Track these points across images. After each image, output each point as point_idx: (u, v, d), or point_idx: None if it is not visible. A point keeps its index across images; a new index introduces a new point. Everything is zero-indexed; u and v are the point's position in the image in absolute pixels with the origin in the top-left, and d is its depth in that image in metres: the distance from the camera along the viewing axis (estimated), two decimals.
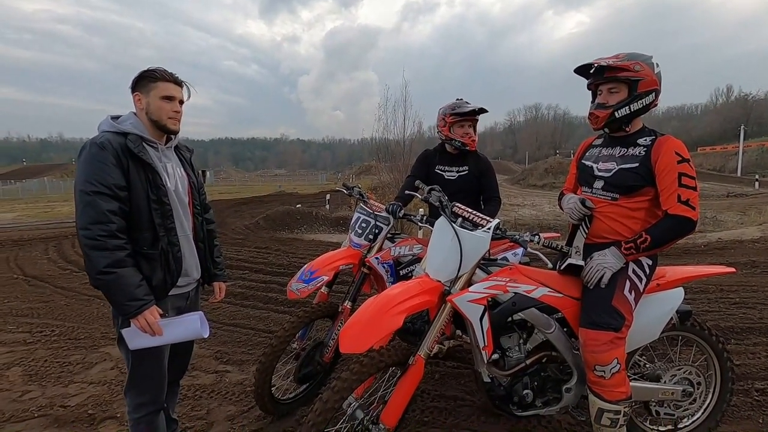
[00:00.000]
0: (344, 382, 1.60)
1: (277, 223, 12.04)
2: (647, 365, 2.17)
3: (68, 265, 6.96)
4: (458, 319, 1.88)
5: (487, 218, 1.84)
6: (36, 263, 7.14)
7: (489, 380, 1.90)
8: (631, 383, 1.89)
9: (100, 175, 1.55)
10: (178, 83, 1.79)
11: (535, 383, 1.96)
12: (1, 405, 2.70)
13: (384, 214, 2.73)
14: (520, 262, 2.39)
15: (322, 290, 2.69)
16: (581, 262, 1.89)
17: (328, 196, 16.54)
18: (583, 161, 2.12)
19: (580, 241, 1.97)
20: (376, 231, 2.72)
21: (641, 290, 1.88)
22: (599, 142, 2.10)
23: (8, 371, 3.18)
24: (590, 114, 1.95)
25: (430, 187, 2.09)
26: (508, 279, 1.83)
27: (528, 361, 1.92)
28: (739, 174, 37.29)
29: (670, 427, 2.18)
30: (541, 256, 1.77)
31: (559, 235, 3.67)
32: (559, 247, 1.84)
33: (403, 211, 2.73)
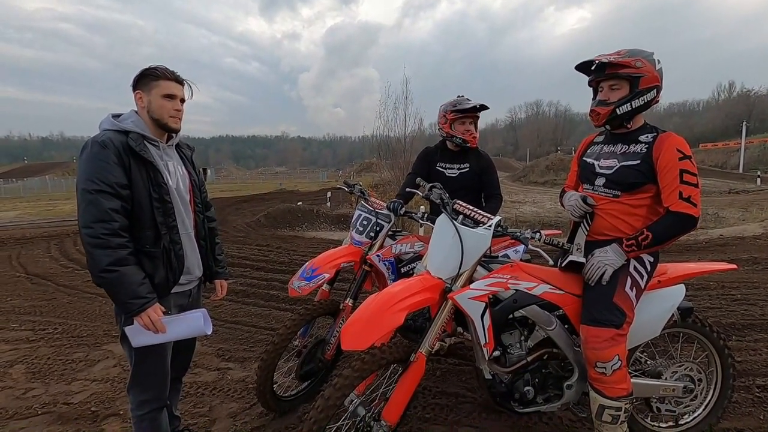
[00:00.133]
0: (346, 379, 1.60)
1: (278, 220, 12.05)
2: (648, 362, 2.18)
3: (70, 263, 6.98)
4: (459, 316, 1.89)
5: (488, 215, 1.84)
6: (38, 261, 7.16)
7: (490, 377, 1.90)
8: (632, 380, 1.89)
9: (102, 173, 1.56)
10: (180, 81, 1.79)
11: (537, 380, 1.96)
12: (4, 402, 2.71)
13: (385, 211, 2.73)
14: (521, 260, 2.39)
15: (323, 288, 2.70)
16: (582, 259, 1.89)
17: (329, 194, 16.55)
18: (584, 158, 2.11)
19: (581, 238, 1.97)
20: (378, 228, 2.72)
21: (642, 287, 1.88)
22: (601, 139, 2.09)
23: (11, 369, 3.19)
24: (591, 111, 1.94)
25: (431, 184, 2.09)
26: (509, 276, 1.83)
27: (529, 358, 1.92)
28: (741, 170, 37.20)
29: (671, 423, 2.19)
30: (543, 253, 1.77)
31: (560, 232, 3.67)
32: (561, 244, 1.84)
33: (404, 209, 2.73)
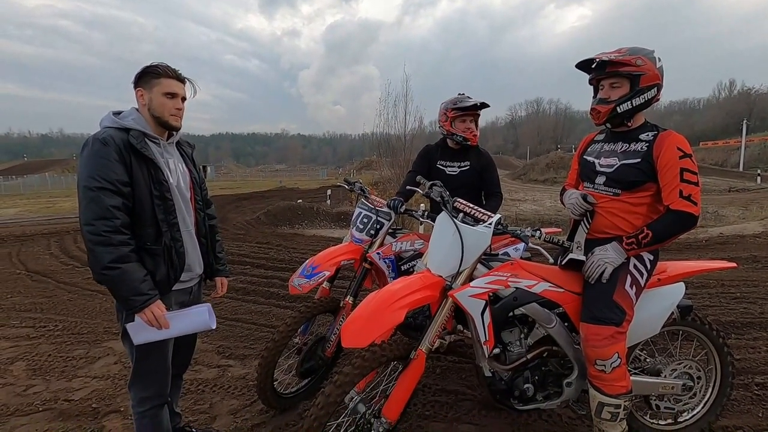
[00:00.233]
0: (346, 376, 1.61)
1: (278, 218, 12.06)
2: (648, 359, 2.18)
3: (71, 260, 6.99)
4: (459, 314, 1.89)
5: (489, 213, 1.84)
6: (38, 259, 7.16)
7: (490, 374, 1.91)
8: (631, 377, 1.90)
9: (104, 171, 1.56)
10: (181, 80, 1.79)
11: (536, 377, 1.97)
12: (5, 399, 2.72)
13: (385, 209, 2.74)
14: (521, 258, 2.40)
15: (323, 285, 2.70)
16: (582, 257, 1.89)
17: (329, 192, 16.55)
18: (584, 157, 2.11)
19: (581, 236, 1.97)
20: (378, 226, 2.72)
21: (642, 285, 1.89)
22: (601, 137, 2.09)
23: (12, 366, 3.20)
24: (592, 109, 1.94)
25: (431, 182, 2.09)
26: (509, 274, 1.83)
27: (529, 356, 1.93)
28: (741, 169, 37.17)
29: (670, 420, 2.20)
30: (543, 251, 1.77)
31: (560, 230, 3.67)
32: (561, 242, 1.85)
33: (404, 207, 2.73)
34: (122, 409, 2.57)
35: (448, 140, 3.00)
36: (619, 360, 1.78)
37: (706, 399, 2.19)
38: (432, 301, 1.80)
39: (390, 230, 2.78)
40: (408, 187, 2.76)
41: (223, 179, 56.47)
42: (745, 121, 40.86)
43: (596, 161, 2.01)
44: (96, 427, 2.41)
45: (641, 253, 1.89)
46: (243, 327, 3.95)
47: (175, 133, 1.86)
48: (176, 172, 1.82)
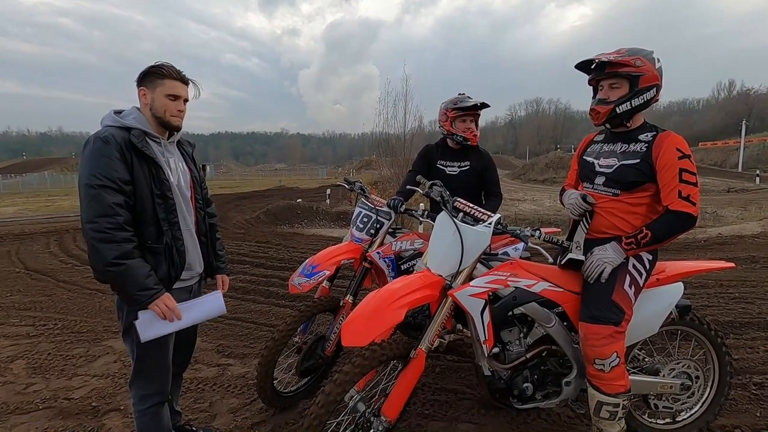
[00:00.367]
0: (346, 375, 1.61)
1: (278, 217, 12.06)
2: (646, 359, 2.19)
3: (70, 259, 6.98)
4: (459, 313, 1.90)
5: (488, 213, 1.84)
6: (38, 257, 7.16)
7: (489, 373, 1.91)
8: (630, 377, 1.91)
9: (105, 169, 1.56)
10: (185, 82, 1.79)
11: (535, 376, 1.98)
12: (5, 397, 2.72)
13: (385, 209, 2.74)
14: (520, 257, 2.40)
15: (323, 284, 2.71)
16: (582, 257, 1.90)
17: (328, 191, 16.55)
18: (584, 157, 2.12)
19: (580, 236, 1.98)
20: (378, 226, 2.73)
21: (641, 285, 1.89)
22: (600, 137, 2.10)
23: (12, 364, 3.20)
24: (591, 110, 1.95)
25: (431, 182, 2.10)
26: (508, 273, 1.84)
27: (528, 355, 1.94)
28: (740, 169, 37.23)
29: (668, 420, 2.21)
30: (542, 251, 1.78)
31: (559, 230, 3.68)
32: (560, 242, 1.85)
33: (404, 206, 2.74)
34: (122, 408, 2.57)
35: (448, 140, 3.01)
36: (617, 359, 1.79)
37: (704, 398, 2.20)
38: (432, 301, 1.80)
39: (390, 230, 2.79)
40: (408, 187, 2.77)
41: (223, 178, 56.44)
42: (744, 122, 40.89)
43: (596, 162, 2.02)
44: (96, 426, 2.41)
45: (640, 253, 1.90)
46: (243, 326, 3.95)
47: (175, 132, 1.86)
48: (177, 171, 1.82)
